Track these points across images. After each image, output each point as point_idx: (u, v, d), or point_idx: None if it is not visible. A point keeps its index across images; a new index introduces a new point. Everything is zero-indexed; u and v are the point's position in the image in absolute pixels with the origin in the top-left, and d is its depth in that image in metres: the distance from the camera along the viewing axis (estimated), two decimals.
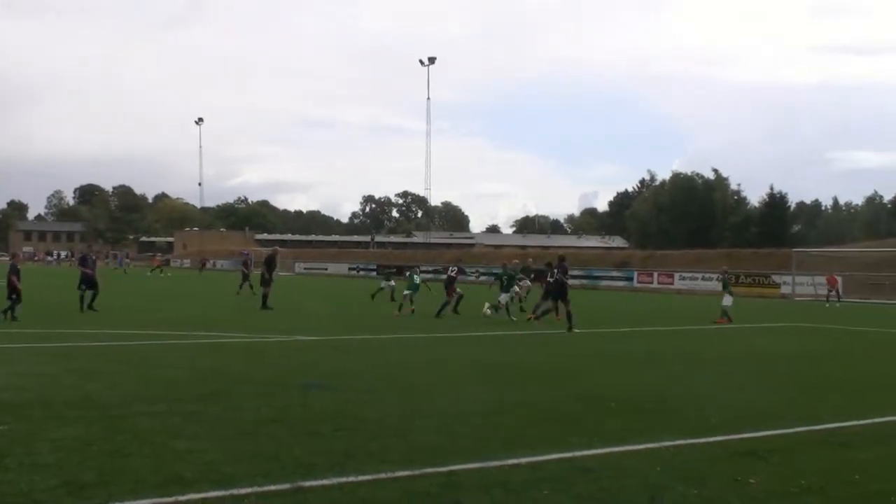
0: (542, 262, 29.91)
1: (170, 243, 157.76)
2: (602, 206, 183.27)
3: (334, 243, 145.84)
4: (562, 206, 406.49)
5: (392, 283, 36.35)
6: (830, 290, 44.61)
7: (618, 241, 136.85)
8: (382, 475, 7.12)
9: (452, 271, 30.36)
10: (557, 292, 24.04)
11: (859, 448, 8.73)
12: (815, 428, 9.79)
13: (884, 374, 15.54)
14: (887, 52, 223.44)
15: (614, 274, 66.37)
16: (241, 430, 8.84)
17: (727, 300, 28.54)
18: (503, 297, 26.88)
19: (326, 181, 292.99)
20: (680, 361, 16.82)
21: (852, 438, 9.27)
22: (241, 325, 22.20)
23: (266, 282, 29.42)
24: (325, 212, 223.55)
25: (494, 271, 37.99)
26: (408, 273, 32.54)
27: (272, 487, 6.66)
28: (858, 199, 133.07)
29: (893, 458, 8.38)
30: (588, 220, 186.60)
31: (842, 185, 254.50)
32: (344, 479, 6.94)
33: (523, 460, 7.75)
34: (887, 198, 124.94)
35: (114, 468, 7.18)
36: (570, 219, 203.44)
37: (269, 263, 30.00)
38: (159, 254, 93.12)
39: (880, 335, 24.66)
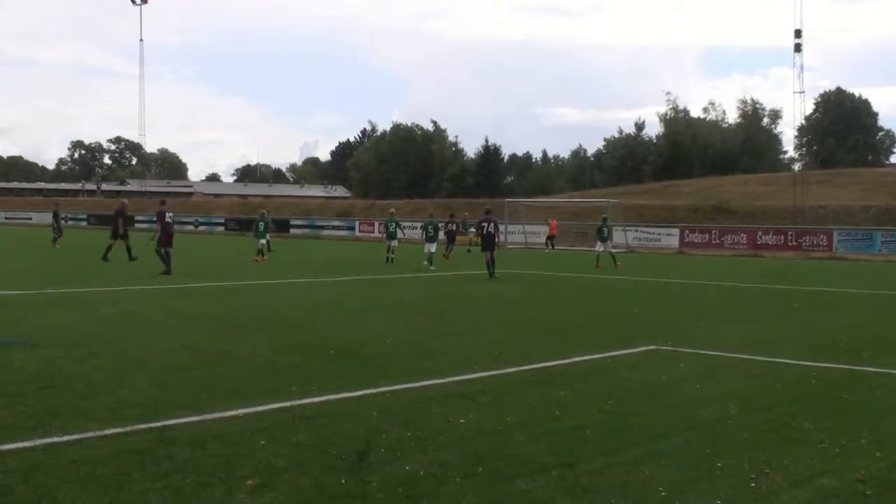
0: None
1: None
2: (324, 155, 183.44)
3: (39, 191, 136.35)
4: (283, 154, 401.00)
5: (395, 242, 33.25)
6: (550, 237, 46.90)
7: (340, 191, 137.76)
8: (90, 434, 6.81)
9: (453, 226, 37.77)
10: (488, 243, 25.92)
11: (560, 386, 9.36)
12: (522, 368, 10.39)
13: (585, 316, 16.72)
14: (586, 15, 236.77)
15: (336, 223, 66.73)
16: None
17: (600, 246, 32.05)
18: (431, 247, 30.32)
19: (28, 124, 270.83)
20: (399, 309, 17.24)
21: (555, 377, 9.92)
22: None
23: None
24: (27, 157, 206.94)
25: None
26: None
27: None
28: (565, 153, 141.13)
29: (589, 394, 9.05)
30: (310, 170, 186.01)
31: (550, 139, 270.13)
32: (47, 441, 6.59)
33: (241, 411, 7.69)
34: (590, 152, 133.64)
35: None
36: (293, 168, 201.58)
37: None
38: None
39: (583, 280, 26.49)
